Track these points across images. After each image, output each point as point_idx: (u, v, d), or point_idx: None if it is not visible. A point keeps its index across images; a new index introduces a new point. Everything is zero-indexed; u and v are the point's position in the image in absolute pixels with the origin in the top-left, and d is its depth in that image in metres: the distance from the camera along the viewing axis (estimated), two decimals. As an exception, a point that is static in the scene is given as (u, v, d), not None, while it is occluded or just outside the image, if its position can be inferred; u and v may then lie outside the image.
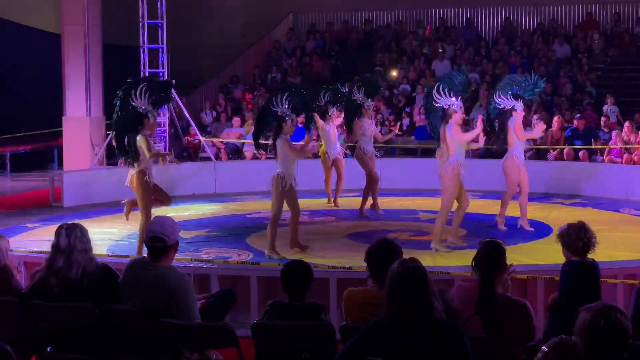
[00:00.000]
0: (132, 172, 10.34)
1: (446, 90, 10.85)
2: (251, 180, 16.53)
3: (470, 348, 4.34)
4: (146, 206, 10.32)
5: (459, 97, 10.88)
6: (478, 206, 13.38)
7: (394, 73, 22.76)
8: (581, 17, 24.50)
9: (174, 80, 12.56)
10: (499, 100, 12.09)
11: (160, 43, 18.31)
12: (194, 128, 19.18)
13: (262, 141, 11.68)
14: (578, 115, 18.21)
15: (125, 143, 10.33)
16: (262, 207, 14.55)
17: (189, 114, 19.36)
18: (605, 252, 10.53)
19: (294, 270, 5.85)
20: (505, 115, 12.03)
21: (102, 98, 19.00)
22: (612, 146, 16.98)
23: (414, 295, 4.33)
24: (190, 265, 9.05)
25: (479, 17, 25.48)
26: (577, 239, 6.18)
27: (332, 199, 14.56)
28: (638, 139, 17.08)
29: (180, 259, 8.83)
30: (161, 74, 18.40)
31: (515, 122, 11.92)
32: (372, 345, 4.40)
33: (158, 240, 5.64)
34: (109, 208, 14.71)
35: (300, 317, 5.66)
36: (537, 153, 17.76)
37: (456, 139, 10.68)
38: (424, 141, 18.73)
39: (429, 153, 18.53)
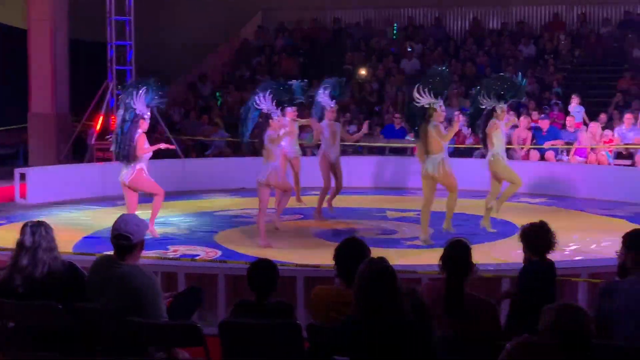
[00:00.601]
0: (127, 174, 11.44)
1: (426, 89, 11.02)
2: (220, 178, 16.51)
3: (437, 347, 4.36)
4: (155, 187, 11.62)
5: (440, 97, 11.10)
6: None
7: (363, 72, 22.80)
8: (548, 18, 24.68)
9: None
10: (483, 100, 11.94)
11: (128, 39, 18.22)
12: (162, 126, 19.08)
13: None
14: (542, 115, 18.34)
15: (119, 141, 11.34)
16: (231, 204, 14.56)
17: (157, 112, 19.25)
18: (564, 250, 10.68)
19: (260, 269, 5.83)
20: (487, 116, 11.97)
21: (68, 94, 18.86)
22: (578, 146, 17.13)
23: (381, 295, 4.34)
24: (157, 263, 9.01)
25: (447, 17, 25.60)
26: (538, 238, 6.22)
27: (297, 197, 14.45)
28: (603, 139, 17.25)
29: (147, 256, 8.79)
30: (128, 70, 18.31)
31: (491, 123, 11.86)
32: (340, 345, 4.42)
33: (123, 238, 5.62)
34: (75, 205, 14.63)
35: (267, 316, 5.65)
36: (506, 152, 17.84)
37: (439, 138, 10.95)
38: (392, 140, 18.78)
39: (397, 152, 18.62)
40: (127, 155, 11.33)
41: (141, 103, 11.24)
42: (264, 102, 11.21)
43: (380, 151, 18.95)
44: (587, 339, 3.92)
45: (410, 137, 18.28)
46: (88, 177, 16.16)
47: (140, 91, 11.22)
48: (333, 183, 13.20)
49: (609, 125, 18.38)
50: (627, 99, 19.75)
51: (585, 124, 18.39)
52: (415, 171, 16.42)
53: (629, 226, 12.56)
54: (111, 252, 5.79)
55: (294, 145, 13.64)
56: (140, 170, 11.47)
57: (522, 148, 17.34)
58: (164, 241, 11.46)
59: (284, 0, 25.96)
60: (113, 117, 17.89)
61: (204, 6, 25.63)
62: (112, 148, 11.81)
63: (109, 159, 17.35)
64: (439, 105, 11.08)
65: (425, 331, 4.38)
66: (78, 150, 19.02)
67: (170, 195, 15.93)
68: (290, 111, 13.08)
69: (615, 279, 5.38)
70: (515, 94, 12.11)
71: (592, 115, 19.01)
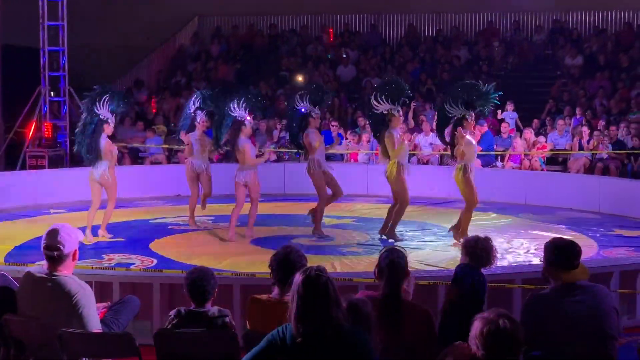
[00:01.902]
0: (99, 171, 11.75)
1: (384, 97, 11.42)
2: (155, 185, 16.36)
3: (375, 357, 4.37)
4: (114, 192, 12.06)
5: (397, 103, 11.48)
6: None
7: (300, 78, 22.81)
8: (482, 25, 24.97)
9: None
10: (450, 109, 11.70)
11: (61, 45, 17.98)
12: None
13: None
14: (481, 121, 18.51)
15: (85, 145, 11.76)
16: (166, 212, 14.44)
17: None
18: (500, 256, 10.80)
19: (197, 276, 5.80)
20: (456, 124, 11.73)
21: (0, 100, 18.54)
22: (511, 152, 17.36)
23: (316, 304, 4.33)
24: (91, 272, 8.88)
25: (383, 24, 25.75)
26: (482, 251, 6.26)
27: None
28: (536, 146, 17.51)
29: (81, 266, 8.67)
30: (62, 76, 18.07)
31: (459, 131, 11.58)
32: (276, 353, 4.40)
33: (53, 249, 5.54)
34: (6, 213, 14.37)
35: (205, 323, 5.62)
36: (440, 159, 18.03)
37: (388, 147, 11.31)
38: (328, 146, 18.74)
39: (332, 158, 18.65)
40: (95, 157, 11.73)
41: (105, 109, 11.66)
42: (236, 109, 11.81)
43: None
44: (514, 346, 3.96)
45: (347, 142, 18.37)
46: (21, 185, 15.87)
47: (104, 97, 11.65)
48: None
49: (541, 131, 18.68)
50: (560, 106, 20.10)
51: (519, 130, 18.64)
52: (354, 177, 16.60)
53: (562, 231, 12.79)
54: (43, 263, 5.70)
55: (204, 160, 12.95)
56: (112, 169, 11.92)
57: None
58: (99, 249, 11.32)
59: (220, 6, 25.85)
60: (47, 124, 17.67)
61: (139, 12, 25.40)
62: (75, 148, 12.25)
63: (42, 167, 17.12)
64: (397, 110, 11.50)
65: (360, 339, 4.37)
66: (10, 158, 18.70)
67: (105, 203, 15.79)
68: (202, 121, 12.83)
69: (539, 292, 5.42)
70: (484, 103, 11.84)
71: (525, 122, 19.30)
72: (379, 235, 12.21)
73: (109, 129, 11.84)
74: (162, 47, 25.34)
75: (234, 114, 11.92)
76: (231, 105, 11.92)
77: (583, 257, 5.38)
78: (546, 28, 24.20)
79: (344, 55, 23.58)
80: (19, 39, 21.58)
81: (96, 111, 11.68)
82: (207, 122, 12.81)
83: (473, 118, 11.83)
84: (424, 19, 25.48)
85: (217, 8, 26.06)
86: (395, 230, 12.05)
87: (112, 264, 10.27)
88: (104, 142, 11.72)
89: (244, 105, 11.84)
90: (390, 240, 11.85)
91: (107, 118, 11.72)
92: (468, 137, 11.49)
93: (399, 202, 11.90)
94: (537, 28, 24.17)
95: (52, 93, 18.42)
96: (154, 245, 11.75)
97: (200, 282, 5.74)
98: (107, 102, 11.68)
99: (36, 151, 17.41)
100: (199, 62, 24.23)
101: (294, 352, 4.32)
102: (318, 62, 23.67)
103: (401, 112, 11.64)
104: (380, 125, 11.76)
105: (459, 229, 11.67)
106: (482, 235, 6.47)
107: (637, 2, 23.05)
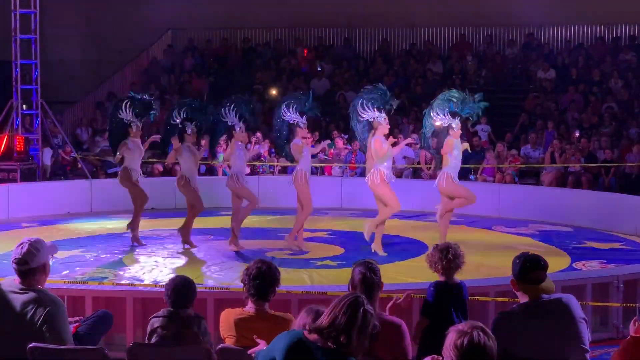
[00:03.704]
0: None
1: (370, 104, 11.60)
2: (129, 199, 16.24)
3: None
4: (139, 195, 12.82)
5: (382, 110, 11.64)
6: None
7: (274, 92, 22.81)
8: (455, 39, 25.10)
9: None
10: (436, 117, 11.76)
11: (33, 58, 17.88)
12: (69, 145, 18.78)
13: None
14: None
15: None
16: (140, 225, 14.30)
17: (64, 131, 18.95)
18: (476, 269, 10.84)
19: (180, 282, 5.84)
20: (441, 134, 11.84)
21: (-28, 112, 18.38)
22: (484, 165, 17.44)
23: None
24: (63, 287, 8.82)
25: (356, 37, 25.82)
26: (440, 259, 6.20)
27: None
28: (509, 159, 17.60)
29: (53, 280, 8.59)
30: (34, 89, 17.95)
31: (447, 140, 11.74)
32: None
33: (21, 263, 5.49)
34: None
35: (182, 323, 5.69)
36: (413, 172, 18.09)
37: (380, 149, 11.47)
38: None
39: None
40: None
41: (129, 113, 12.51)
42: (228, 115, 12.20)
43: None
44: (487, 358, 3.96)
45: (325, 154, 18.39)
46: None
47: (126, 102, 12.59)
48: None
49: (514, 144, 18.79)
50: (532, 119, 20.23)
51: (492, 143, 18.74)
52: (322, 191, 16.58)
53: (534, 244, 12.86)
54: (15, 277, 5.65)
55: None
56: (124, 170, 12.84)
57: (429, 168, 17.52)
58: (72, 263, 11.25)
59: (193, 19, 25.81)
60: (19, 137, 17.54)
61: (112, 24, 25.32)
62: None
63: (14, 180, 16.98)
64: (383, 118, 11.64)
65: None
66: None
67: (77, 216, 15.72)
68: (193, 132, 12.52)
69: (507, 310, 5.44)
70: (471, 111, 11.85)
71: (498, 135, 19.40)
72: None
73: (132, 132, 12.55)
74: (135, 60, 25.26)
75: (225, 120, 12.24)
76: (223, 111, 12.26)
77: (556, 270, 5.41)
78: (519, 42, 24.37)
79: (319, 69, 23.62)
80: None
81: (119, 115, 12.51)
82: (196, 134, 12.65)
83: (459, 127, 11.86)
84: (397, 33, 25.56)
85: (190, 21, 26.01)
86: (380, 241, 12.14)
87: (85, 278, 10.20)
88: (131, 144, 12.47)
89: (235, 112, 12.15)
90: (374, 252, 11.92)
91: (131, 121, 12.47)
92: (453, 144, 11.74)
93: (384, 209, 11.99)
94: (510, 42, 24.33)
95: (24, 106, 18.29)
96: (127, 259, 11.69)
97: (183, 288, 5.84)
98: (129, 107, 12.43)
99: (8, 165, 17.27)
100: (172, 75, 24.17)
101: None
102: (292, 75, 23.68)
103: (387, 120, 11.75)
104: (367, 133, 11.91)
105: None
106: (442, 243, 6.43)
107: (609, 16, 23.26)
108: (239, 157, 12.18)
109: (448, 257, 6.16)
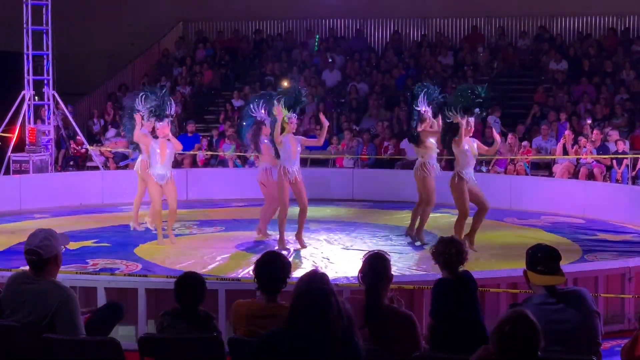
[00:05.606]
0: (136, 162, 13.44)
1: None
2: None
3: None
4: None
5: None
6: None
7: (285, 83, 22.78)
8: (467, 30, 25.02)
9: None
10: (450, 114, 11.57)
11: (45, 50, 17.92)
12: (81, 137, 18.82)
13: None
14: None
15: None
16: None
17: (76, 123, 18.99)
18: (488, 261, 10.84)
19: (188, 281, 5.82)
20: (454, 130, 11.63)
21: (-17, 104, 18.45)
22: (498, 157, 17.39)
23: (321, 312, 4.28)
24: (75, 277, 8.85)
25: (368, 29, 25.76)
26: (443, 253, 6.03)
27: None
28: (521, 151, 17.56)
29: (65, 271, 8.62)
30: (46, 81, 18.00)
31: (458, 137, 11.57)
32: (271, 355, 4.36)
33: (33, 254, 5.51)
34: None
35: (192, 320, 5.66)
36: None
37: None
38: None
39: (320, 163, 18.66)
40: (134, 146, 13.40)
41: (143, 105, 12.53)
42: (257, 110, 12.35)
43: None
44: (531, 345, 3.98)
45: (332, 147, 18.39)
46: (5, 190, 15.80)
47: (142, 95, 12.66)
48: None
49: (526, 136, 18.73)
50: (544, 111, 20.15)
51: (504, 135, 18.68)
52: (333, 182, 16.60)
53: (546, 236, 12.83)
54: (27, 268, 5.67)
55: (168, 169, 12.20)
56: (144, 162, 12.77)
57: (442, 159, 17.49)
58: (84, 254, 11.28)
59: (205, 11, 25.82)
60: (31, 129, 17.60)
61: (123, 16, 25.36)
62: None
63: (26, 171, 17.04)
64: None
65: (354, 344, 4.34)
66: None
67: (90, 208, 15.76)
68: (162, 126, 12.16)
69: (522, 302, 5.42)
70: (481, 105, 11.72)
71: (510, 127, 19.34)
72: (405, 236, 12.47)
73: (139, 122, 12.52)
74: (147, 52, 25.28)
75: (254, 115, 12.41)
76: (251, 106, 12.50)
77: (568, 262, 5.40)
78: (530, 33, 24.27)
79: (330, 60, 23.57)
80: (2, 43, 21.52)
81: (136, 107, 12.62)
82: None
83: (471, 124, 11.65)
84: (408, 24, 25.50)
85: (202, 13, 26.03)
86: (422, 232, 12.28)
87: (97, 269, 10.23)
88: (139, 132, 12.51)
89: (263, 106, 12.29)
90: (417, 243, 12.12)
91: (141, 111, 12.54)
92: (464, 143, 11.47)
93: (423, 203, 12.22)
94: (522, 34, 24.23)
95: (36, 98, 18.34)
96: (139, 251, 11.71)
97: (191, 287, 5.80)
98: (144, 99, 12.53)
99: (20, 156, 17.33)
100: (184, 67, 24.18)
101: (291, 355, 4.28)
102: (303, 67, 23.64)
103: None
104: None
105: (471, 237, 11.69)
106: (446, 236, 6.35)
107: (621, 7, 23.14)
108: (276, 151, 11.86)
109: (451, 252, 6.05)
